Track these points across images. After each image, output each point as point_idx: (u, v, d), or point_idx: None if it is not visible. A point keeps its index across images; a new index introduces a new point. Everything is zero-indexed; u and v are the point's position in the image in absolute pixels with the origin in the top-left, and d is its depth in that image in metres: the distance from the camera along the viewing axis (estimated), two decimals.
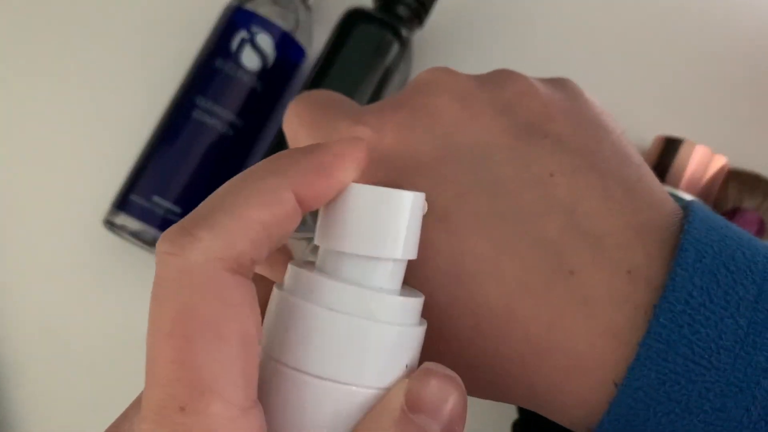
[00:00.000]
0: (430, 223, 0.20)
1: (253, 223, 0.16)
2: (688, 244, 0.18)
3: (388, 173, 0.21)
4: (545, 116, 0.21)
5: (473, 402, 0.47)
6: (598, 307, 0.19)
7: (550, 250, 0.19)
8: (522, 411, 0.39)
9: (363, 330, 0.17)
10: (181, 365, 0.15)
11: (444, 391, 0.17)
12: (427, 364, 0.18)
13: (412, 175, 0.20)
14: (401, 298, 0.18)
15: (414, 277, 0.20)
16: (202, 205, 0.17)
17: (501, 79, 0.23)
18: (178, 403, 0.15)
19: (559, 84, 0.23)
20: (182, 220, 0.16)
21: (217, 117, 0.42)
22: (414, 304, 0.18)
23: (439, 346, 0.20)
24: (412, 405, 0.17)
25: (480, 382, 0.20)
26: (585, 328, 0.19)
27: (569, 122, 0.21)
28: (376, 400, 0.17)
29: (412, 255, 0.19)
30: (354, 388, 0.17)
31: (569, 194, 0.20)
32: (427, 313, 0.19)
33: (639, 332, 0.18)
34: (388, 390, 0.17)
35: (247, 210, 0.16)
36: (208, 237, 0.16)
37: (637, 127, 0.47)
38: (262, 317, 0.18)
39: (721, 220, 0.20)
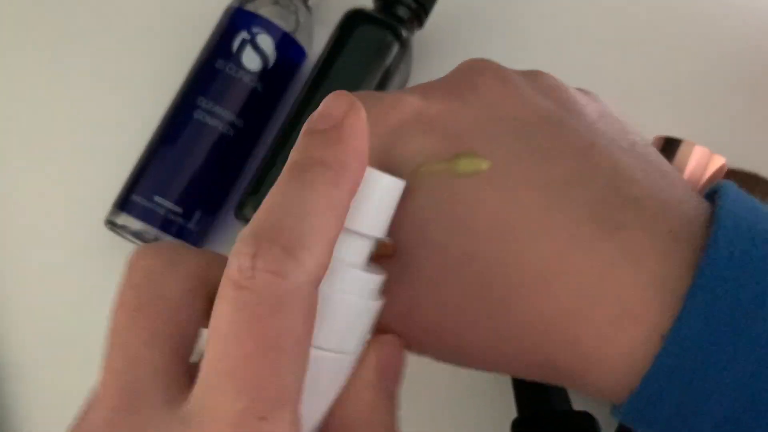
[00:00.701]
0: (478, 183, 0.20)
1: (333, 241, 0.18)
2: (725, 214, 0.19)
3: (434, 138, 0.22)
4: (577, 103, 0.23)
5: (473, 401, 0.47)
6: (646, 260, 0.19)
7: (597, 207, 0.20)
8: (522, 410, 0.39)
9: (322, 298, 0.19)
10: (270, 378, 0.16)
11: (397, 358, 0.20)
12: (384, 337, 0.21)
13: (459, 138, 0.21)
14: (360, 273, 0.20)
15: (462, 235, 0.20)
16: (284, 219, 0.18)
17: (534, 73, 0.24)
18: (258, 413, 0.16)
19: (584, 89, 0.26)
20: (269, 232, 0.17)
21: (218, 117, 0.42)
22: (371, 280, 0.20)
23: (485, 307, 0.20)
24: (380, 375, 0.20)
25: (524, 344, 0.20)
26: (634, 279, 0.19)
27: (598, 113, 0.23)
28: (338, 363, 0.20)
29: (380, 234, 0.20)
30: (320, 352, 0.19)
31: (609, 163, 0.21)
32: (474, 273, 0.20)
33: (685, 285, 0.19)
34: (350, 354, 0.20)
35: (329, 230, 0.18)
36: (310, 261, 0.17)
37: (636, 127, 0.47)
38: None
39: (751, 199, 0.21)
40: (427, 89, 0.23)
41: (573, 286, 0.19)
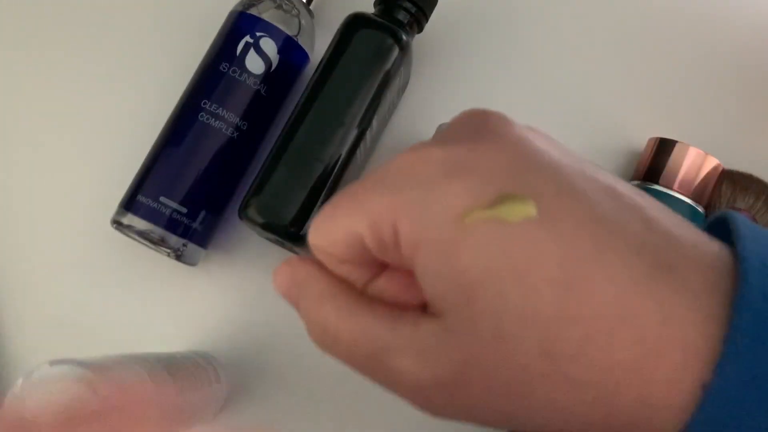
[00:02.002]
0: (531, 230, 0.19)
1: None
2: (748, 252, 0.19)
3: (469, 182, 0.20)
4: (567, 147, 0.24)
5: None
6: (702, 298, 0.19)
7: (646, 248, 0.19)
8: None
9: None
10: None
11: None
12: None
13: (496, 179, 0.20)
14: None
15: (520, 292, 0.19)
16: None
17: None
18: None
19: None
20: None
21: (222, 120, 0.43)
22: None
23: (548, 365, 0.19)
24: None
25: (587, 399, 0.19)
26: (695, 320, 0.19)
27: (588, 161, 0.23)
28: None
29: None
30: None
31: (634, 202, 0.20)
32: (536, 332, 0.19)
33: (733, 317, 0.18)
34: None
35: None
36: None
37: (631, 129, 0.48)
38: None
39: (764, 232, 0.21)
40: (442, 138, 0.21)
41: (638, 335, 0.19)
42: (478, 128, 0.21)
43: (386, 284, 0.23)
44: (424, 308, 0.22)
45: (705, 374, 0.18)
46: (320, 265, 0.23)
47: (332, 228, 0.22)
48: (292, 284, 0.23)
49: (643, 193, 0.22)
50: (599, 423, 0.20)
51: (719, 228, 0.22)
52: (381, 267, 0.23)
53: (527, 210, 0.19)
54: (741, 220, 0.21)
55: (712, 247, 0.20)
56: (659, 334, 0.18)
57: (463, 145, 0.21)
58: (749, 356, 0.18)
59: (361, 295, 0.22)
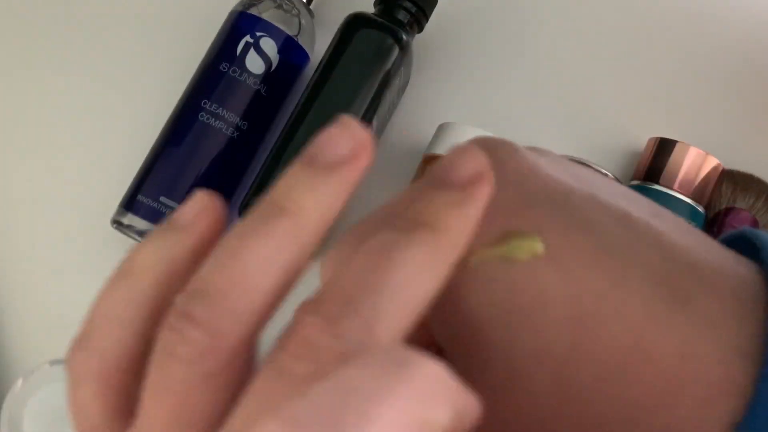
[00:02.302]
0: (536, 268, 0.18)
1: (410, 323, 0.18)
2: None
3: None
4: (590, 172, 0.22)
5: None
6: (723, 329, 0.18)
7: (661, 279, 0.19)
8: None
9: None
10: None
11: None
12: None
13: (500, 216, 0.19)
14: None
15: (527, 331, 0.18)
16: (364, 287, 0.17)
17: (534, 149, 0.23)
18: None
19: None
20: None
21: (222, 119, 0.43)
22: None
23: (564, 408, 0.19)
24: None
25: None
26: (716, 351, 0.18)
27: (607, 180, 0.22)
28: None
29: None
30: None
31: (648, 229, 0.20)
32: (546, 373, 0.18)
33: (760, 344, 0.18)
34: None
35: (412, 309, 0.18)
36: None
37: (631, 129, 0.48)
38: None
39: None
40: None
41: (655, 371, 0.18)
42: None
43: None
44: (438, 352, 0.21)
45: (736, 413, 0.17)
46: None
47: None
48: None
49: (663, 213, 0.21)
50: None
51: (741, 244, 0.22)
52: None
53: (533, 247, 0.18)
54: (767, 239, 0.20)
55: (738, 271, 0.19)
56: (677, 370, 0.18)
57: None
58: None
59: None
